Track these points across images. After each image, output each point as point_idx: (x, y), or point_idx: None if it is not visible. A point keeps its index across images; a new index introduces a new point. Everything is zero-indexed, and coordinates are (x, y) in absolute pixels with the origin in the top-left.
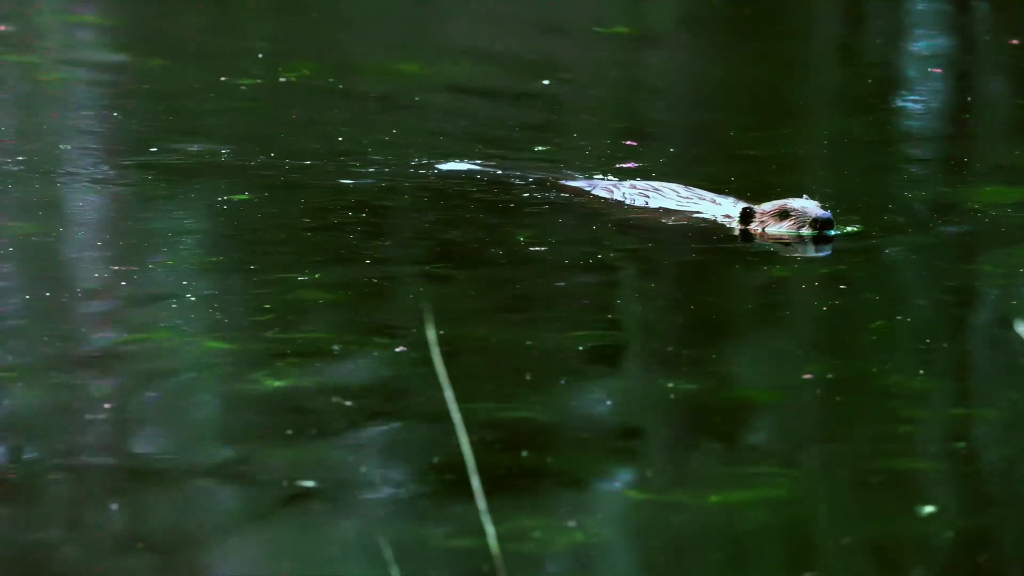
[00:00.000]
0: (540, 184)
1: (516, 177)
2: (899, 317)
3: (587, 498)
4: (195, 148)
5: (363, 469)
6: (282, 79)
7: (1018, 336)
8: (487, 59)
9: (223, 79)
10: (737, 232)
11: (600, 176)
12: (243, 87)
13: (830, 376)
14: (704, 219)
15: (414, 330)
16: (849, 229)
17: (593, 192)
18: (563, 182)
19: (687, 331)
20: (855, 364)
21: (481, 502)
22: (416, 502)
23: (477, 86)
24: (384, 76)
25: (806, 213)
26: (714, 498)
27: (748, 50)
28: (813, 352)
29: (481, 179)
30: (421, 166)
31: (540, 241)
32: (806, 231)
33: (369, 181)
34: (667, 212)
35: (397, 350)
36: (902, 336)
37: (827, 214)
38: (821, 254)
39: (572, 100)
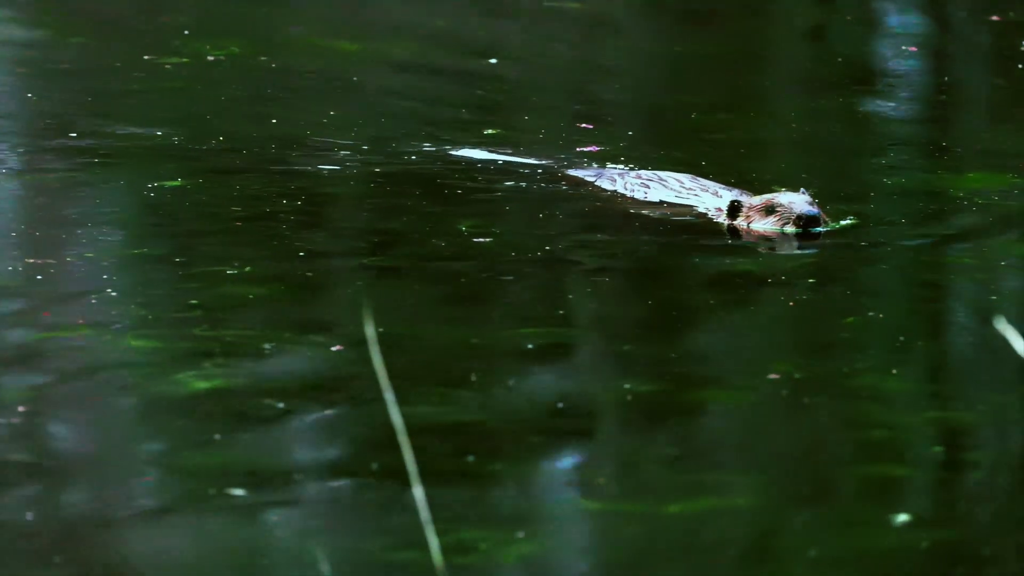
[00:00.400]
0: (548, 173)
1: (522, 166)
2: (871, 313)
3: (536, 507)
4: (118, 132)
5: (297, 476)
6: (210, 57)
7: (999, 334)
8: (428, 36)
9: (147, 58)
10: (725, 226)
11: (612, 166)
12: (168, 66)
13: (797, 376)
14: (698, 212)
15: (351, 327)
16: (845, 222)
17: (596, 182)
18: (570, 172)
19: (643, 328)
20: (824, 363)
21: (424, 511)
22: (354, 512)
23: (419, 64)
24: (319, 54)
25: (791, 209)
26: (672, 508)
27: (709, 27)
28: (780, 351)
29: (430, 164)
30: (372, 151)
31: (485, 231)
32: (790, 228)
33: (306, 167)
34: (660, 204)
35: (333, 349)
36: (875, 334)
37: (813, 211)
38: (795, 247)
39: (521, 80)
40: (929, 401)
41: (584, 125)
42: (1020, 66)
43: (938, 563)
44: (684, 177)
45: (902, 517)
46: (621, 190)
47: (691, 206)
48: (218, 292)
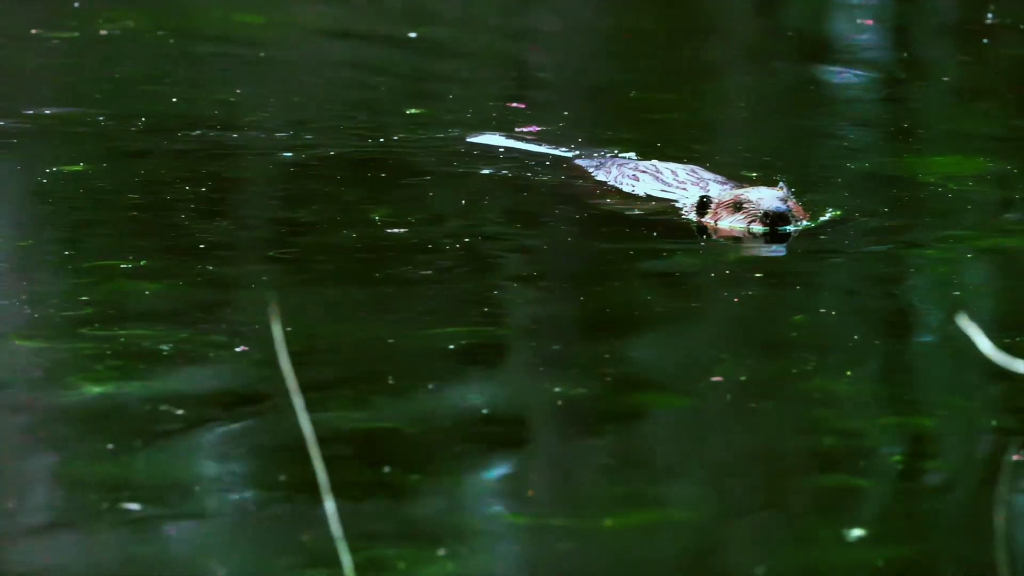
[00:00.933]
0: (557, 165)
1: (534, 160)
2: (824, 311)
3: (460, 522)
4: (3, 111)
5: (197, 489)
6: (103, 32)
7: (962, 332)
8: (341, 6)
9: (33, 32)
10: (694, 224)
11: (621, 155)
12: (56, 41)
13: (743, 379)
14: (673, 208)
15: (256, 326)
16: (826, 217)
17: (594, 173)
18: (576, 161)
19: (575, 328)
20: (772, 365)
21: (335, 527)
22: (259, 527)
23: (334, 36)
24: (222, 27)
25: (759, 206)
26: (608, 522)
27: None
28: (723, 352)
29: (345, 147)
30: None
31: (401, 221)
32: (757, 227)
33: (210, 150)
34: (639, 198)
35: (237, 350)
36: (828, 333)
37: (781, 207)
38: (760, 247)
39: (445, 54)
40: (885, 405)
41: (515, 104)
42: (986, 40)
43: None
44: (682, 169)
45: (856, 532)
46: (611, 182)
47: (672, 201)
48: (111, 288)
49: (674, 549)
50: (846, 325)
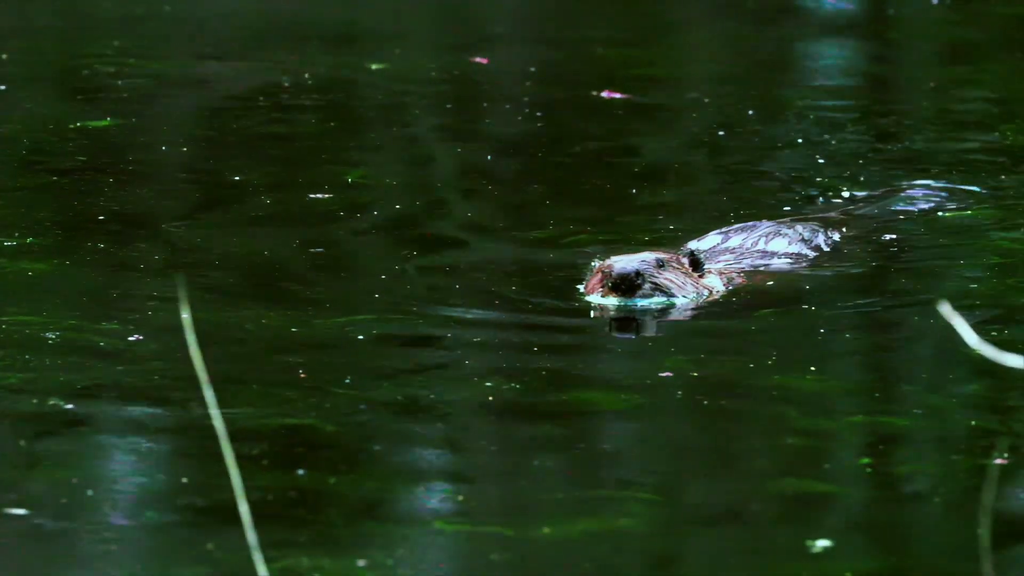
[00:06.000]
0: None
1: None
2: (785, 302)
3: (382, 529)
4: None
5: (90, 492)
6: None
7: (943, 319)
8: None
9: None
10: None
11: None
12: None
13: (694, 374)
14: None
15: (151, 311)
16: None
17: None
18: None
19: (509, 311)
20: (728, 360)
21: (251, 535)
22: (164, 534)
23: None
24: None
25: (611, 268)
26: (546, 530)
27: None
28: (674, 344)
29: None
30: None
31: (328, 190)
32: (606, 297)
33: (107, 105)
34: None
35: (132, 339)
36: (791, 325)
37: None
38: (605, 322)
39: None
40: (855, 403)
41: (478, 59)
42: None
43: None
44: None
45: (822, 543)
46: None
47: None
48: None
49: (620, 561)
50: (812, 318)
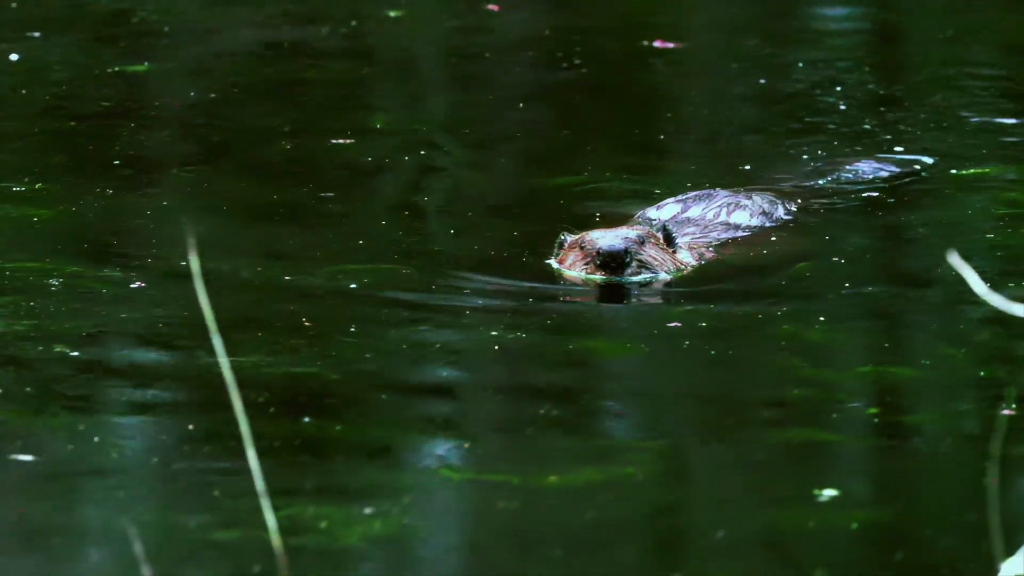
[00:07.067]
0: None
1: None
2: (790, 248)
3: (389, 477)
4: None
5: (97, 438)
6: None
7: (951, 272)
8: None
9: None
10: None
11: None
12: None
13: (702, 325)
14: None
15: (156, 258)
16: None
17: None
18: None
19: (516, 261)
20: (736, 310)
21: (259, 481)
22: (171, 481)
23: None
24: None
25: (594, 245)
26: (553, 479)
27: None
28: (680, 294)
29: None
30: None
31: (321, 142)
32: (592, 275)
33: (151, 49)
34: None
35: (134, 286)
36: (798, 274)
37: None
38: (594, 300)
39: None
40: (863, 354)
41: (490, 7)
42: None
43: (870, 547)
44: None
45: (828, 492)
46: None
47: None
48: None
49: (626, 509)
50: (821, 267)
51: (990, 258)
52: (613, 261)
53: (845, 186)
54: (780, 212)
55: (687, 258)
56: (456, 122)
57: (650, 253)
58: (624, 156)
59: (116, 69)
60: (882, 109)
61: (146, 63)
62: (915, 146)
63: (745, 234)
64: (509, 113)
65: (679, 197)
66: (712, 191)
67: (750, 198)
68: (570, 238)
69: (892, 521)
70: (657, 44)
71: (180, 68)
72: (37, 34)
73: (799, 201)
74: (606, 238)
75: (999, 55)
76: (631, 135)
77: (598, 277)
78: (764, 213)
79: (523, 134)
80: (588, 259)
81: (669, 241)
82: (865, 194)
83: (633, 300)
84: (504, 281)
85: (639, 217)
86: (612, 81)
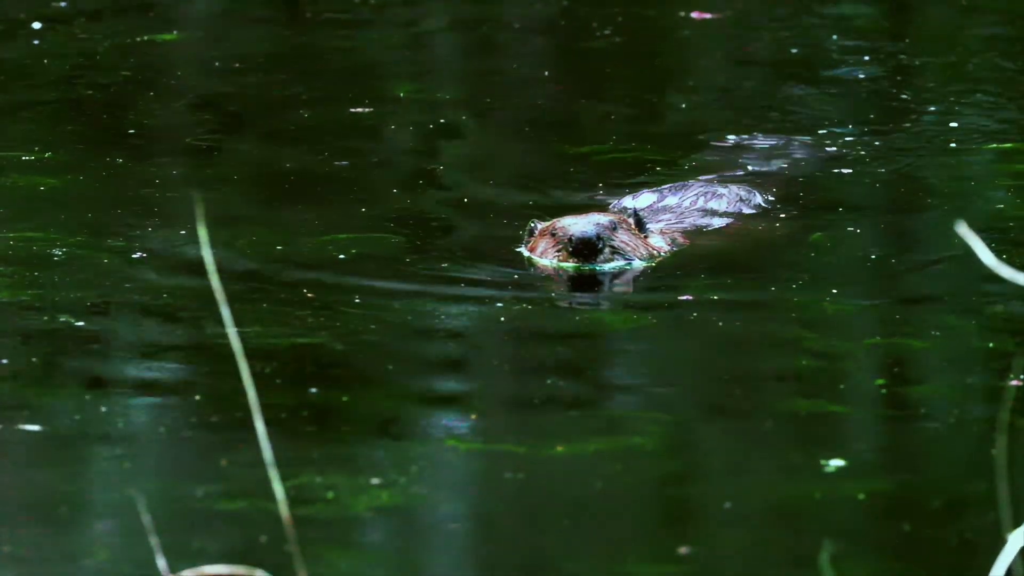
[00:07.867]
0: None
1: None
2: (801, 221)
3: (395, 448)
4: None
5: (104, 408)
6: None
7: (959, 242)
8: None
9: None
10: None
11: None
12: None
13: (714, 297)
14: None
15: (162, 228)
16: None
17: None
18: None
19: (522, 230)
20: (747, 282)
21: (267, 450)
22: (178, 450)
23: None
24: None
25: (566, 232)
26: (560, 449)
27: None
28: (692, 268)
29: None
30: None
31: (362, 103)
32: (564, 262)
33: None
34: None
35: (138, 256)
36: (808, 248)
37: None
38: (565, 286)
39: None
40: (871, 325)
41: None
42: None
43: (877, 517)
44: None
45: (836, 462)
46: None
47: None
48: (4, 185)
49: (632, 479)
50: (831, 239)
51: (999, 229)
52: (586, 248)
53: (858, 155)
54: (758, 200)
55: (659, 243)
56: (478, 92)
57: (622, 239)
58: (649, 125)
59: (144, 38)
60: (899, 79)
61: (175, 32)
62: (935, 117)
63: (725, 221)
64: (534, 83)
65: (656, 188)
66: (687, 182)
67: (726, 187)
68: (540, 225)
69: (900, 492)
70: (694, 15)
71: (206, 37)
72: (64, 3)
73: (775, 189)
74: (578, 224)
75: (1014, 28)
76: (658, 105)
77: (570, 265)
78: (741, 200)
79: (547, 103)
80: (560, 246)
81: (640, 226)
82: (875, 166)
83: (640, 276)
84: (517, 252)
85: (614, 207)
86: (642, 50)
